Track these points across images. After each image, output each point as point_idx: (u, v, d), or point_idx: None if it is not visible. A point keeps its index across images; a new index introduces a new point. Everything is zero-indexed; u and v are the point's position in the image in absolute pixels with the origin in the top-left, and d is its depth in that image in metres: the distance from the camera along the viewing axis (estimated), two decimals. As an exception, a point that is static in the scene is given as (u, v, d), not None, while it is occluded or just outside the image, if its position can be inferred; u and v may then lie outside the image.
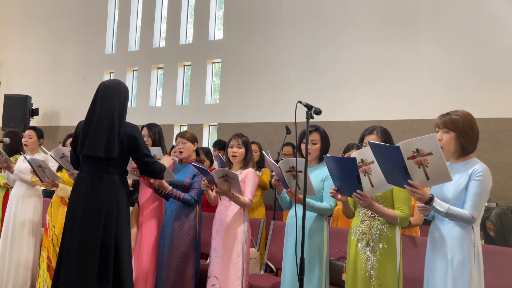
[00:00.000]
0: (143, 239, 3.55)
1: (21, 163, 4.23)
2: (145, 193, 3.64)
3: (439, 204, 2.11)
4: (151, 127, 3.75)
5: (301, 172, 2.62)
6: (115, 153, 2.75)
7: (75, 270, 2.67)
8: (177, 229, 3.39)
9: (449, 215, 2.12)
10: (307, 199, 2.75)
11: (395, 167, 2.06)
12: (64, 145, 4.05)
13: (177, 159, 3.69)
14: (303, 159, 2.55)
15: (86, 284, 2.64)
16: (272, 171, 4.01)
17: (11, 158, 4.28)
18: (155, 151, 3.39)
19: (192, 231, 3.41)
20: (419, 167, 2.01)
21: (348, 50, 6.57)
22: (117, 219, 2.77)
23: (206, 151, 4.76)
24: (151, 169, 2.95)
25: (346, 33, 6.61)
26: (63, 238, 2.80)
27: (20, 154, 4.40)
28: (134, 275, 3.46)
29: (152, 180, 3.27)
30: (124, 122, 2.86)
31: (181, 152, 3.55)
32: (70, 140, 4.00)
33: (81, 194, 2.79)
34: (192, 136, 3.58)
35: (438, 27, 5.99)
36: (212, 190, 3.32)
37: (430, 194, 2.10)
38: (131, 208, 3.57)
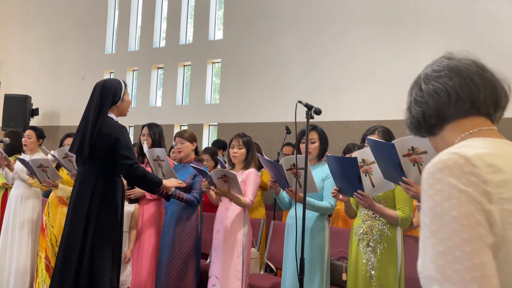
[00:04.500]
0: (143, 244, 3.54)
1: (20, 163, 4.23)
2: (144, 197, 3.65)
3: None
4: (152, 126, 3.75)
5: (302, 169, 2.62)
6: (86, 153, 2.78)
7: (59, 266, 2.77)
8: (179, 230, 3.38)
9: None
10: (308, 198, 2.75)
11: (391, 164, 2.08)
12: (61, 145, 4.04)
13: (175, 163, 3.69)
14: (303, 156, 2.55)
15: (64, 280, 2.71)
16: None
17: (11, 158, 4.28)
18: (158, 152, 3.35)
19: (194, 232, 3.40)
20: (413, 164, 2.02)
21: (348, 50, 6.57)
22: (97, 219, 2.77)
23: (212, 151, 4.74)
24: (128, 172, 2.78)
25: (346, 33, 6.61)
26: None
27: (21, 154, 4.40)
28: (131, 278, 3.47)
29: None
30: (108, 121, 2.84)
31: (179, 152, 3.53)
32: (67, 139, 4.01)
33: (73, 194, 2.87)
34: (190, 136, 3.56)
35: (438, 27, 5.98)
36: (213, 191, 3.32)
37: None
38: (131, 209, 3.56)
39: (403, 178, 2.06)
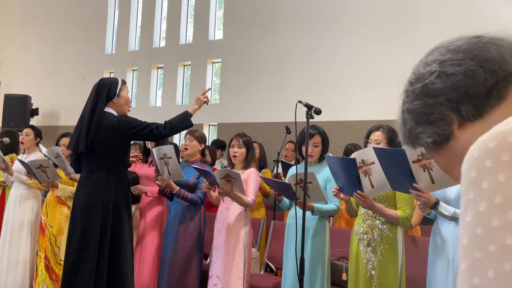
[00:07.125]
0: (145, 244, 3.54)
1: (19, 163, 4.21)
2: (147, 197, 3.64)
3: (444, 208, 2.11)
4: None
5: (310, 183, 2.62)
6: (82, 148, 2.80)
7: (75, 266, 2.73)
8: (182, 230, 3.38)
9: (455, 219, 2.12)
10: (316, 205, 2.81)
11: (401, 171, 2.06)
12: (57, 144, 4.02)
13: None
14: (309, 171, 2.54)
15: (84, 280, 2.69)
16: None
17: (6, 157, 4.25)
18: (166, 149, 3.31)
19: (197, 232, 3.40)
20: (424, 170, 1.99)
21: (348, 50, 6.57)
22: (114, 215, 2.81)
23: (211, 150, 4.75)
24: (160, 133, 2.92)
25: (346, 33, 6.61)
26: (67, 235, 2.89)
27: (16, 154, 4.39)
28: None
29: (159, 182, 3.26)
30: (107, 115, 2.87)
31: (186, 148, 3.54)
32: (63, 139, 4.00)
33: (81, 192, 2.86)
34: (200, 136, 3.57)
35: (438, 27, 5.98)
36: (214, 191, 3.31)
37: (436, 199, 2.10)
38: (132, 210, 3.56)
39: (414, 184, 2.04)
